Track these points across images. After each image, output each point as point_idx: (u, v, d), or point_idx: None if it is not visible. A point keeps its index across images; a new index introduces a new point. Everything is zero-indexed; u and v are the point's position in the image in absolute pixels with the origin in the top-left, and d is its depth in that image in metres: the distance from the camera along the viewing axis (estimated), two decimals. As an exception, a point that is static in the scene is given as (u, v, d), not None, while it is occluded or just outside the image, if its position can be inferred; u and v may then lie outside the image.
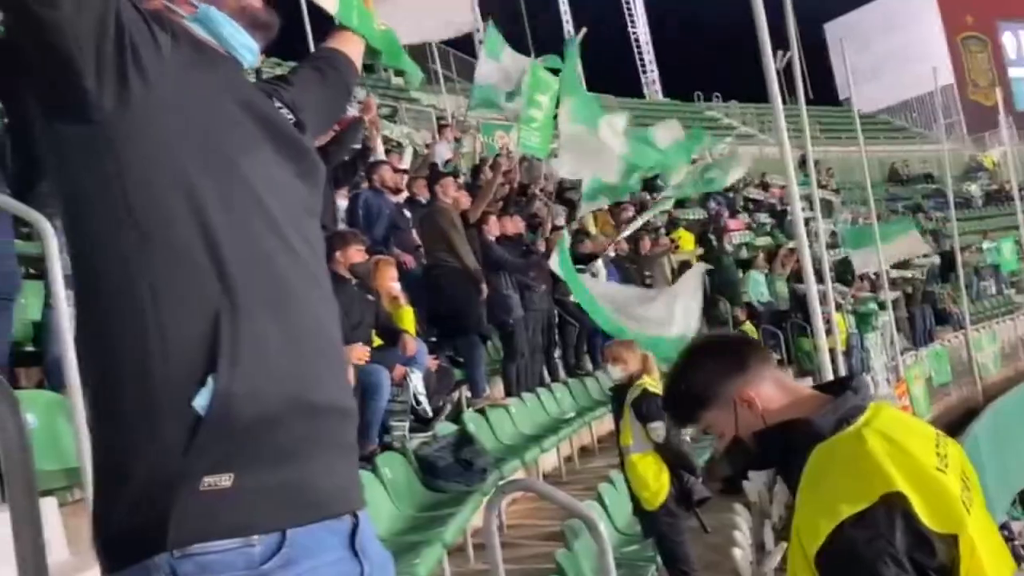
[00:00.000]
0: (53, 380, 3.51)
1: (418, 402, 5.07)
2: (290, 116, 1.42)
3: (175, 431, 1.10)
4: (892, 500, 1.32)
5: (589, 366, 8.87)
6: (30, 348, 3.88)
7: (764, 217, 18.04)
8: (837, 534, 1.33)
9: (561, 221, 9.75)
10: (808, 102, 10.43)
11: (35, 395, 3.16)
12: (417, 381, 5.06)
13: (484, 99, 10.00)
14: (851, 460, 1.40)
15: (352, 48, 1.74)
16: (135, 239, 1.14)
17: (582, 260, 8.37)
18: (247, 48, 1.37)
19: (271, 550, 1.11)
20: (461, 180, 8.77)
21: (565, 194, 10.98)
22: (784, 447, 1.51)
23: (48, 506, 2.71)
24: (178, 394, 1.11)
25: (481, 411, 6.25)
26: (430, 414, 5.09)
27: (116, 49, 1.12)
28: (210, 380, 1.11)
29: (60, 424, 3.05)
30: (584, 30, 9.51)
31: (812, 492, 1.42)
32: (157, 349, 1.12)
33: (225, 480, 1.10)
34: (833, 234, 15.78)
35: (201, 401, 1.10)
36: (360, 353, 4.54)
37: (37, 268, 3.86)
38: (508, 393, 7.06)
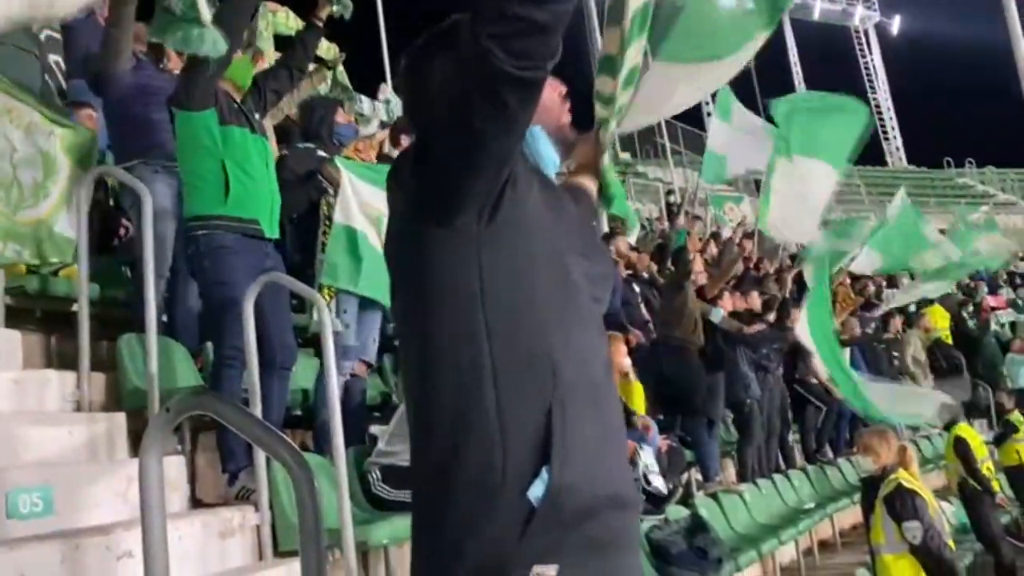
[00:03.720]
0: (320, 443, 3.83)
1: (648, 481, 4.97)
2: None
3: (511, 518, 1.17)
4: None
5: (830, 453, 8.30)
6: (297, 412, 4.26)
7: (1030, 293, 16.21)
8: None
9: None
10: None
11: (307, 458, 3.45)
12: (648, 459, 4.98)
13: (712, 169, 9.88)
14: None
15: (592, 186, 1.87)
16: (488, 333, 1.24)
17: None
18: (553, 164, 1.52)
19: None
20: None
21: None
22: None
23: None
24: (515, 484, 1.18)
25: (713, 496, 6.02)
26: (664, 492, 4.98)
27: (508, 176, 1.27)
28: (544, 472, 1.18)
29: (323, 486, 3.30)
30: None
31: None
32: (499, 440, 1.20)
33: (551, 570, 1.16)
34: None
35: (536, 492, 1.17)
36: None
37: (303, 337, 4.27)
38: (741, 478, 6.75)
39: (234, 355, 3.28)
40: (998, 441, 8.78)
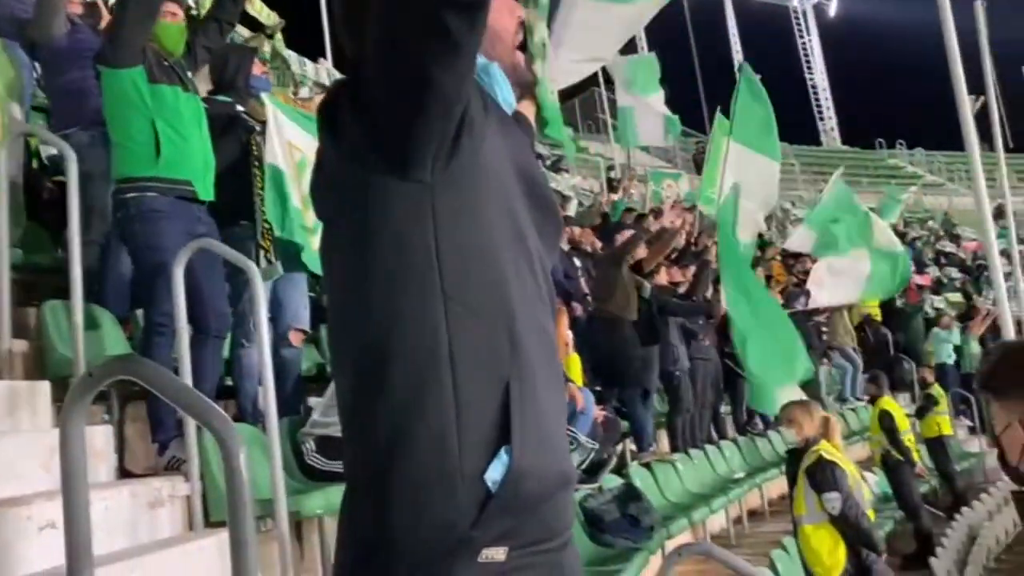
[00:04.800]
0: (244, 414, 3.78)
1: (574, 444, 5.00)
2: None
3: (465, 502, 1.08)
4: None
5: (760, 425, 8.53)
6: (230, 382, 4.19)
7: (954, 272, 16.84)
8: None
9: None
10: (1006, 149, 9.74)
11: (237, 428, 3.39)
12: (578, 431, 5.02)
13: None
14: None
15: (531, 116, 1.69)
16: (443, 301, 1.11)
17: None
18: (509, 106, 1.36)
19: None
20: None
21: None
22: None
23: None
24: (471, 465, 1.08)
25: (647, 465, 6.14)
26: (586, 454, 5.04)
27: (462, 117, 1.13)
28: (504, 454, 1.09)
29: (255, 456, 3.26)
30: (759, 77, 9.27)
31: None
32: (454, 416, 1.09)
33: (500, 554, 1.09)
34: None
35: (494, 475, 1.08)
36: None
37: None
38: (674, 448, 6.90)
39: (164, 322, 3.20)
40: (920, 414, 9.14)
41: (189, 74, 3.53)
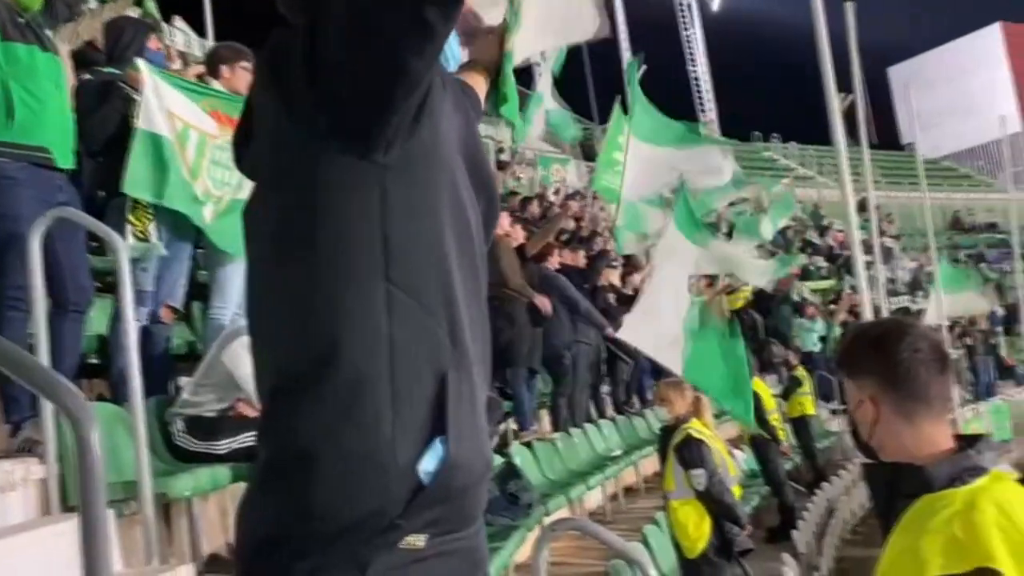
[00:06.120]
0: (118, 393, 3.60)
1: None
2: None
3: (397, 491, 1.06)
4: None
5: (638, 404, 8.78)
6: (94, 360, 3.98)
7: (821, 261, 17.76)
8: None
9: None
10: (871, 146, 10.32)
11: (98, 407, 3.23)
12: None
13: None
14: (957, 522, 1.34)
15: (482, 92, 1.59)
16: (385, 288, 1.08)
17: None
18: (455, 60, 1.31)
19: None
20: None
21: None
22: (892, 487, 1.48)
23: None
24: (404, 455, 1.06)
25: (528, 444, 6.22)
26: None
27: (424, 98, 1.09)
28: (439, 445, 1.07)
29: (120, 437, 3.12)
30: (644, 68, 9.47)
31: (907, 541, 1.37)
32: (390, 405, 1.06)
33: (421, 541, 1.08)
34: (892, 281, 15.46)
35: (428, 466, 1.06)
36: None
37: (103, 281, 3.97)
38: (556, 428, 7.02)
39: (18, 296, 3.00)
40: (785, 394, 9.61)
41: (48, 32, 3.30)
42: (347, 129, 1.07)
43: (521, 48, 1.51)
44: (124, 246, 3.03)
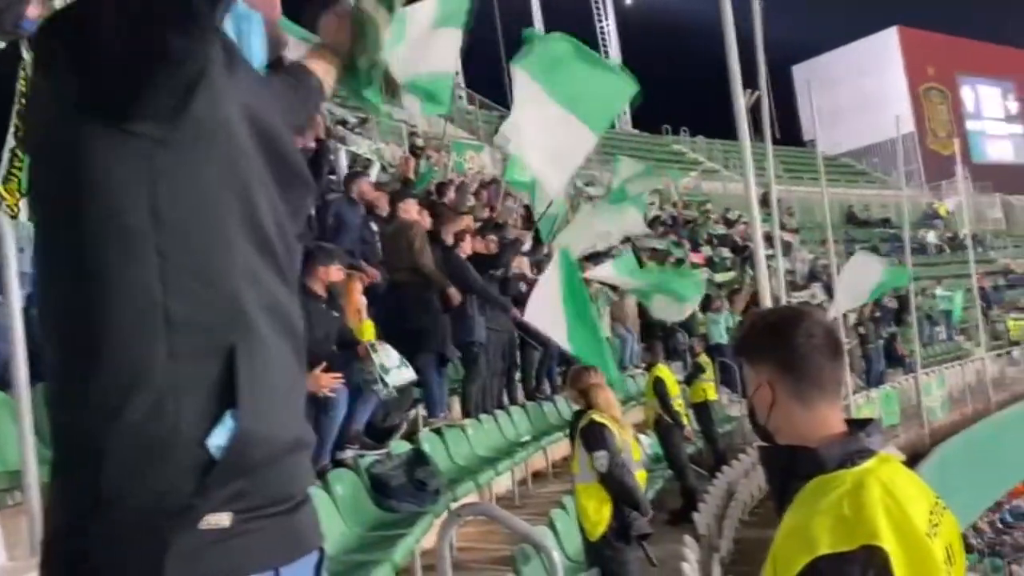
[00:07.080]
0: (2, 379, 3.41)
1: (385, 383, 4.94)
2: None
3: (183, 468, 1.04)
4: (872, 553, 1.32)
5: (548, 390, 8.86)
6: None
7: (725, 252, 18.27)
8: (810, 568, 1.33)
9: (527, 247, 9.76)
10: (774, 141, 10.65)
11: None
12: (385, 356, 4.98)
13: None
14: (846, 501, 1.39)
15: (328, 75, 1.58)
16: (158, 262, 1.07)
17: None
18: (257, 59, 1.30)
19: None
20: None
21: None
22: (787, 470, 1.52)
23: (-14, 509, 2.62)
24: (190, 432, 1.05)
25: (437, 431, 6.21)
26: (407, 381, 5.01)
27: (198, 74, 1.08)
28: (229, 419, 1.06)
29: (3, 425, 2.96)
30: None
31: (799, 521, 1.42)
32: (171, 381, 1.05)
33: (225, 520, 1.06)
34: (791, 272, 16.03)
35: (217, 440, 1.05)
36: (327, 382, 4.45)
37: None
38: (466, 414, 7.02)
39: None
40: (688, 380, 9.86)
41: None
42: (109, 104, 1.06)
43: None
44: (6, 223, 2.88)
